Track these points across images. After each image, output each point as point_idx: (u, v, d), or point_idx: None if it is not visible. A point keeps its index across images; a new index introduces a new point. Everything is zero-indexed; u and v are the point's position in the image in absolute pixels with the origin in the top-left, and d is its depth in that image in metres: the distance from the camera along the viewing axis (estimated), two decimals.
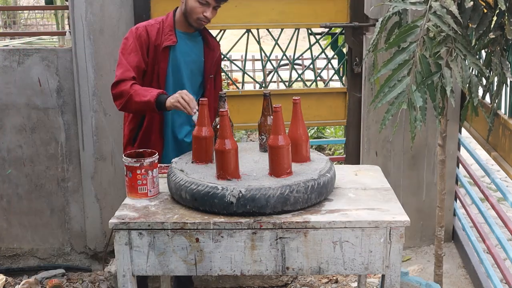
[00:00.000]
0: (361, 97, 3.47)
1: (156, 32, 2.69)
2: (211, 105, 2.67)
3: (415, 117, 2.26)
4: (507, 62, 2.42)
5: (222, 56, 3.55)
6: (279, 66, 4.01)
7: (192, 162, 2.27)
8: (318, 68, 4.97)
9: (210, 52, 2.82)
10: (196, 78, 2.81)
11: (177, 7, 2.77)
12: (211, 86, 2.83)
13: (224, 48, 4.13)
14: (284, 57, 3.70)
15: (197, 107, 2.46)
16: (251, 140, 6.22)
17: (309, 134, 3.26)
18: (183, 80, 2.75)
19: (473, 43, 2.44)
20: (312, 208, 2.08)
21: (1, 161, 3.51)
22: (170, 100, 2.50)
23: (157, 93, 2.53)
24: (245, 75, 3.75)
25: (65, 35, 3.64)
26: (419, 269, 3.34)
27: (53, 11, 6.68)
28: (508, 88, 2.62)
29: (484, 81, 2.53)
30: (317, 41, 3.66)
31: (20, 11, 10.66)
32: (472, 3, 2.31)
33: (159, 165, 2.26)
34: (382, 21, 2.47)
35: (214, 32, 3.54)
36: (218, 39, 3.52)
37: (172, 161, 2.32)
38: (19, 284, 3.35)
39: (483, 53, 2.59)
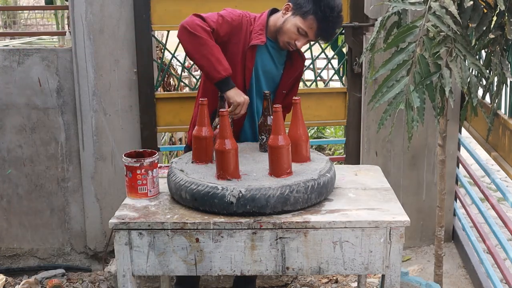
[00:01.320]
0: (361, 97, 3.47)
1: (246, 23, 2.49)
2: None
3: (413, 117, 2.26)
4: (507, 62, 2.42)
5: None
6: None
7: (192, 162, 2.27)
8: (318, 68, 4.97)
9: (291, 69, 2.63)
10: (266, 88, 2.61)
11: (274, 11, 2.57)
12: (279, 101, 2.61)
13: None
14: None
15: (232, 117, 2.39)
16: None
17: (309, 134, 3.26)
18: (256, 85, 2.59)
19: (473, 43, 2.44)
20: (312, 208, 2.08)
21: (1, 161, 3.51)
22: (236, 98, 2.37)
23: (226, 75, 2.36)
24: None
25: (65, 35, 3.63)
26: (419, 269, 3.34)
27: (53, 11, 6.67)
28: (508, 88, 2.62)
29: (484, 81, 2.53)
30: (317, 41, 3.65)
31: (20, 11, 10.65)
32: (471, 3, 2.31)
33: (159, 165, 2.26)
34: (381, 21, 2.47)
35: None
36: None
37: (172, 161, 2.31)
38: (19, 284, 3.35)
39: (483, 53, 2.59)
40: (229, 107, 2.40)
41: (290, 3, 2.48)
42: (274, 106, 2.11)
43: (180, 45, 3.45)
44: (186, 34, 2.40)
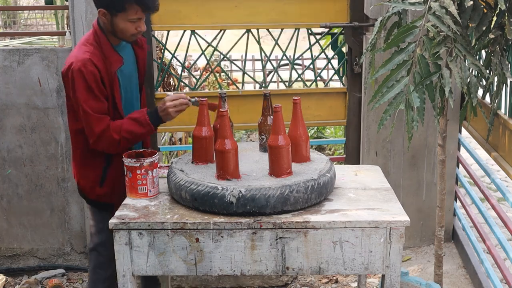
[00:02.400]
0: (361, 97, 3.47)
1: (101, 60, 2.39)
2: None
3: (412, 117, 2.27)
4: (507, 62, 2.42)
5: (222, 56, 3.54)
6: (279, 66, 4.01)
7: (192, 162, 2.27)
8: (318, 68, 4.97)
9: (140, 50, 2.61)
10: (135, 84, 2.62)
11: (97, 22, 2.46)
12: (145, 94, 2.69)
13: (224, 48, 4.14)
14: (284, 57, 3.70)
15: (188, 97, 2.42)
16: (251, 140, 6.22)
17: (309, 134, 3.26)
18: (133, 93, 2.58)
19: (473, 43, 2.44)
20: (312, 208, 2.08)
21: (1, 161, 3.51)
22: (167, 117, 2.41)
23: (148, 118, 2.39)
24: (245, 75, 3.74)
25: (65, 35, 3.63)
26: (419, 269, 3.34)
27: (53, 11, 6.67)
28: (508, 88, 2.62)
29: (484, 81, 2.53)
30: (317, 41, 3.65)
31: (20, 11, 10.65)
32: (471, 3, 2.31)
33: (159, 165, 2.26)
34: (381, 21, 2.47)
35: (214, 32, 3.55)
36: (218, 40, 3.51)
37: (172, 161, 2.31)
38: (19, 284, 3.35)
39: (483, 53, 2.59)
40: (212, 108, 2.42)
41: (101, 9, 2.38)
42: (274, 106, 2.11)
43: (180, 45, 3.47)
44: (116, 151, 2.43)
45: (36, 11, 10.79)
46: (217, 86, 6.08)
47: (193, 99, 2.44)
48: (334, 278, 3.41)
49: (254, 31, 3.50)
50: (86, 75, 2.33)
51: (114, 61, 2.42)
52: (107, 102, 2.41)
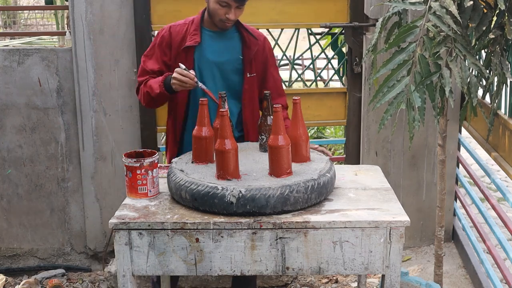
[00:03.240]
0: (361, 97, 3.47)
1: (180, 32, 2.61)
2: (248, 105, 2.67)
3: (414, 117, 2.26)
4: (507, 62, 2.42)
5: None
6: (279, 66, 4.01)
7: (192, 162, 2.27)
8: (318, 68, 4.98)
9: (247, 49, 2.64)
10: (231, 78, 2.66)
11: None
12: (249, 86, 2.66)
13: None
14: (284, 57, 3.70)
15: (195, 79, 2.46)
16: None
17: (309, 134, 3.25)
18: (215, 80, 2.64)
19: (473, 43, 2.44)
20: (312, 208, 2.08)
21: (1, 161, 3.51)
22: (174, 87, 2.48)
23: (162, 81, 2.51)
24: None
25: (65, 35, 3.63)
26: (419, 269, 3.34)
27: (53, 11, 6.67)
28: (508, 88, 2.62)
29: (484, 81, 2.53)
30: (317, 41, 3.66)
31: (20, 11, 10.65)
32: (471, 3, 2.31)
33: (159, 165, 2.26)
34: (382, 21, 2.47)
35: None
36: None
37: (172, 161, 2.32)
38: (19, 284, 3.35)
39: (483, 53, 2.59)
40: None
41: None
42: (274, 106, 2.11)
43: None
44: (145, 105, 2.70)
45: (36, 11, 10.79)
46: None
47: (200, 84, 2.47)
48: (334, 278, 3.41)
49: None
50: (158, 36, 2.64)
51: (191, 39, 2.59)
52: (167, 69, 2.60)
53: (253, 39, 2.67)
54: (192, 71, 2.48)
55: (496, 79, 2.45)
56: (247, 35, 2.65)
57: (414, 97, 2.24)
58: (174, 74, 2.46)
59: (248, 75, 2.66)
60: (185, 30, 2.61)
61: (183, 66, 2.47)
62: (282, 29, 3.63)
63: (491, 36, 2.40)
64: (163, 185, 2.26)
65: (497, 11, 2.35)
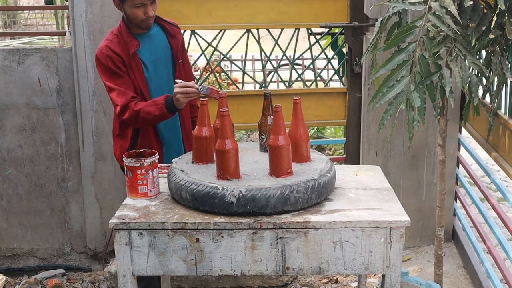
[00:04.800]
0: (361, 97, 3.47)
1: (119, 45, 2.68)
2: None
3: (413, 117, 2.26)
4: (507, 62, 2.42)
5: (222, 56, 3.56)
6: (279, 66, 4.01)
7: (192, 162, 2.27)
8: (318, 68, 4.97)
9: (173, 39, 2.82)
10: (169, 69, 2.82)
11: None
12: (180, 72, 2.84)
13: (224, 48, 4.13)
14: (284, 57, 3.70)
15: (196, 86, 2.56)
16: (251, 140, 6.22)
17: (309, 134, 3.26)
18: (163, 78, 2.78)
19: (473, 43, 2.44)
20: (312, 208, 2.08)
21: (1, 161, 3.51)
22: (178, 104, 2.57)
23: (164, 102, 2.59)
24: (245, 75, 3.75)
25: (65, 35, 3.63)
26: (419, 269, 3.35)
27: (53, 11, 6.67)
28: (508, 88, 2.62)
29: (484, 81, 2.53)
30: (317, 41, 3.66)
31: (20, 11, 10.65)
32: (471, 3, 2.31)
33: (159, 165, 2.26)
34: (381, 21, 2.47)
35: (214, 32, 3.55)
36: (218, 40, 3.52)
37: (172, 161, 2.32)
38: (19, 284, 3.35)
39: (483, 53, 2.59)
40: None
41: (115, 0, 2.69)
42: (275, 106, 2.11)
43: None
44: (135, 126, 2.74)
45: (36, 11, 10.79)
46: (217, 86, 6.08)
47: (201, 87, 2.54)
48: (334, 278, 3.41)
49: (254, 31, 3.50)
50: (103, 59, 2.67)
51: (131, 45, 2.67)
52: (131, 80, 2.68)
53: (175, 28, 2.85)
54: (180, 81, 2.59)
55: (496, 79, 2.45)
56: (168, 26, 2.82)
57: (413, 97, 2.24)
58: (176, 90, 2.55)
59: (178, 62, 2.83)
60: (119, 42, 2.69)
61: (179, 80, 2.59)
62: (282, 29, 3.63)
63: (491, 36, 2.40)
64: (163, 185, 2.26)
65: (497, 11, 2.35)
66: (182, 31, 3.45)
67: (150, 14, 2.65)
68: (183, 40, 2.93)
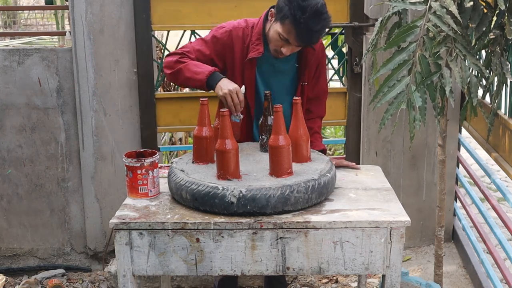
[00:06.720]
0: (361, 97, 3.47)
1: (240, 35, 2.48)
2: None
3: (414, 117, 2.26)
4: (507, 62, 2.42)
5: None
6: None
7: (193, 162, 2.27)
8: None
9: (304, 62, 2.56)
10: (288, 87, 2.59)
11: (265, 14, 2.50)
12: (302, 95, 2.58)
13: None
14: None
15: (240, 113, 2.39)
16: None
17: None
18: (272, 90, 2.49)
19: (473, 43, 2.44)
20: (312, 208, 2.08)
21: (1, 161, 3.51)
22: (219, 92, 2.34)
23: (209, 73, 2.37)
24: None
25: (65, 35, 3.63)
26: (419, 269, 3.35)
27: (53, 11, 6.67)
28: (508, 88, 2.62)
29: (484, 81, 2.53)
30: (303, 46, 3.65)
31: (20, 11, 10.64)
32: (472, 3, 2.31)
33: (159, 165, 2.26)
34: (381, 21, 2.47)
35: None
36: None
37: (172, 161, 2.31)
38: (19, 284, 3.35)
39: (483, 53, 2.59)
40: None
41: (273, 9, 2.42)
42: (275, 106, 2.11)
43: (179, 45, 3.46)
44: (167, 74, 2.52)
45: (36, 11, 10.78)
46: None
47: (236, 117, 2.39)
48: (334, 278, 3.41)
49: None
50: (220, 34, 2.48)
51: (253, 49, 2.45)
52: (226, 70, 2.48)
53: (310, 49, 2.54)
54: (243, 88, 2.40)
55: (496, 79, 2.45)
56: (305, 48, 2.52)
57: (414, 97, 2.24)
58: (232, 94, 2.33)
59: (302, 84, 2.58)
60: (244, 35, 2.48)
61: (244, 91, 2.38)
62: None
63: (491, 36, 2.40)
64: (163, 185, 2.26)
65: (497, 11, 2.35)
66: (182, 31, 3.45)
67: (284, 51, 2.39)
68: (319, 61, 2.62)
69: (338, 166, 2.47)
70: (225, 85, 2.35)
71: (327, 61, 3.78)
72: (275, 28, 2.37)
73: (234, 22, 2.54)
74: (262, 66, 2.52)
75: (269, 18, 2.45)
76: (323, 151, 2.59)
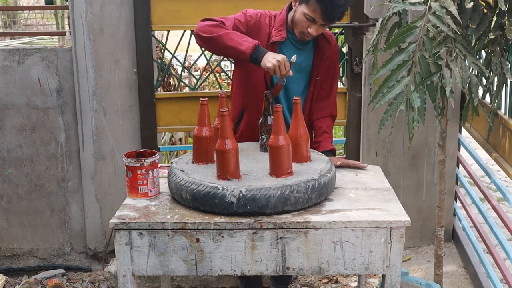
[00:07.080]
0: (361, 97, 3.47)
1: (267, 21, 2.55)
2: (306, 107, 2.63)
3: (413, 117, 2.26)
4: (507, 62, 2.42)
5: (222, 56, 3.53)
6: None
7: (193, 162, 2.27)
8: None
9: (319, 54, 2.62)
10: (302, 79, 2.64)
11: (288, 5, 2.59)
12: (314, 88, 2.65)
13: None
14: None
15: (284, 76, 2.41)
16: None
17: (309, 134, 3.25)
18: (288, 80, 2.54)
19: (473, 43, 2.44)
20: (312, 208, 2.08)
21: (1, 161, 3.51)
22: (267, 64, 2.35)
23: (254, 46, 2.39)
24: None
25: (65, 35, 3.63)
26: (419, 269, 3.35)
27: (53, 11, 6.67)
28: (508, 88, 2.62)
29: (484, 81, 2.53)
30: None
31: (20, 11, 10.65)
32: (472, 3, 2.31)
33: (159, 165, 2.26)
34: (382, 21, 2.47)
35: None
36: None
37: (172, 161, 2.31)
38: (19, 284, 3.36)
39: (483, 53, 2.59)
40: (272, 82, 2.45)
41: None
42: (275, 106, 2.12)
43: (180, 45, 3.47)
44: (200, 39, 2.50)
45: (36, 11, 10.79)
46: (217, 86, 6.08)
47: (282, 80, 2.44)
48: (334, 278, 3.41)
49: None
50: (241, 14, 2.55)
51: (276, 34, 2.53)
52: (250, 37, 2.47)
53: (326, 43, 2.62)
54: (294, 57, 2.42)
55: (496, 79, 2.45)
56: (322, 43, 2.61)
57: (413, 98, 2.24)
58: (279, 59, 2.34)
59: (317, 78, 2.63)
60: (268, 21, 2.56)
61: (295, 59, 2.40)
62: None
63: (491, 36, 2.40)
64: (163, 185, 2.26)
65: (497, 11, 2.35)
66: (182, 31, 3.45)
67: (313, 33, 2.46)
68: (331, 57, 2.66)
69: (344, 166, 2.51)
70: (273, 57, 2.37)
71: None
72: (300, 10, 2.46)
73: (258, 10, 2.60)
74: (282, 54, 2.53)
75: (293, 4, 2.53)
76: (333, 152, 2.62)
